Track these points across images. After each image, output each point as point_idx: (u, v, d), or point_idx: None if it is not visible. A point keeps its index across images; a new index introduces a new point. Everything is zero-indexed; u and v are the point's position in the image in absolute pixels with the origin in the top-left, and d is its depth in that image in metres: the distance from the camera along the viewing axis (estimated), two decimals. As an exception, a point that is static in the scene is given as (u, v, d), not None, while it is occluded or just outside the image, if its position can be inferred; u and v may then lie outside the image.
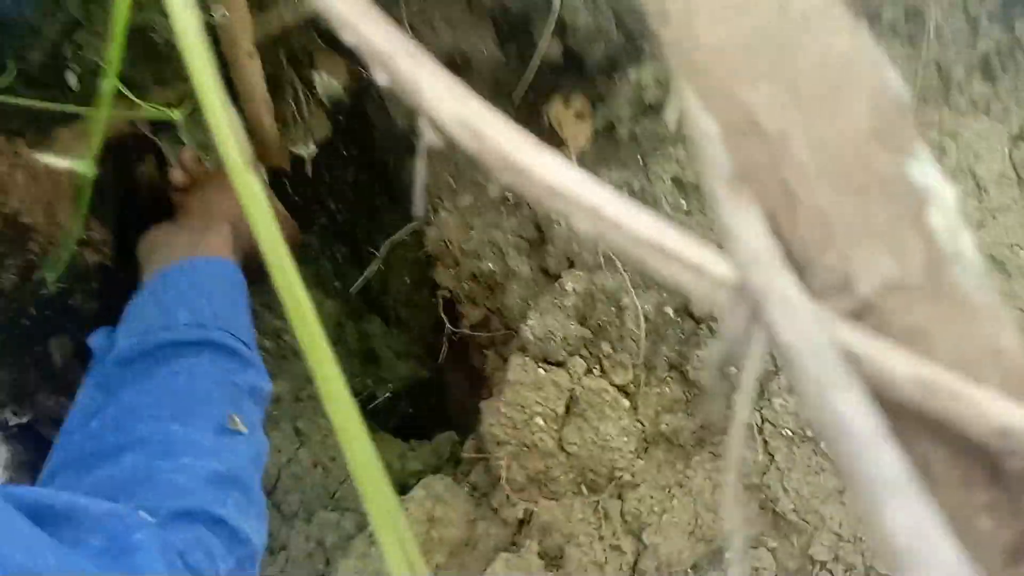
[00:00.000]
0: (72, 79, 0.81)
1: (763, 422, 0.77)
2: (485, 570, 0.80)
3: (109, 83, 0.62)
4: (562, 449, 0.82)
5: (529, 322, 0.87)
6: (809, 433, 0.75)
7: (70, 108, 0.74)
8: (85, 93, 0.75)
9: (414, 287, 1.20)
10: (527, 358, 0.84)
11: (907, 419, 0.19)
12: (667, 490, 0.80)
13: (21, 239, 0.77)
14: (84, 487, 0.55)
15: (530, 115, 1.10)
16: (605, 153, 0.99)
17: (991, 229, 0.82)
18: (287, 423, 1.04)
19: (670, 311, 0.84)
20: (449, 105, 0.20)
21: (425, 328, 1.16)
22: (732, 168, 0.20)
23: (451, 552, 0.84)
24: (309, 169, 1.11)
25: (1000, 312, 0.19)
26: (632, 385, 0.83)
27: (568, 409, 0.83)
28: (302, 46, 1.11)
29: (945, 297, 0.19)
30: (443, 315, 1.06)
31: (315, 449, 1.02)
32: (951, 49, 0.95)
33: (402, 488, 0.96)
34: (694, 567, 0.73)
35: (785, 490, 0.75)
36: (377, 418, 1.13)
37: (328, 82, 1.16)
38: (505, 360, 0.92)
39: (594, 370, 0.85)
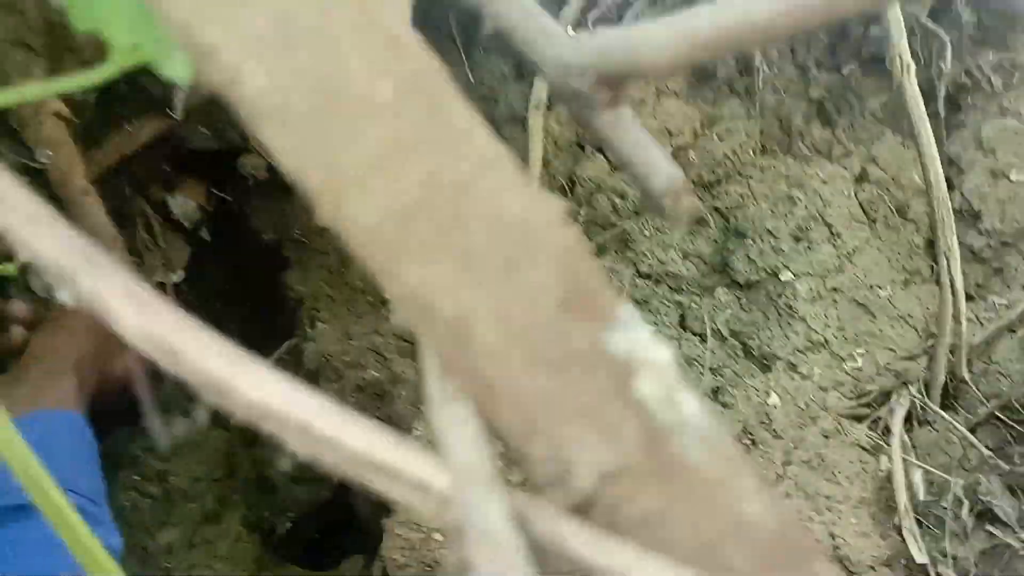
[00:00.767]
0: None
1: None
2: None
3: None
4: (463, 562, 0.78)
5: (416, 432, 0.83)
6: None
7: None
8: None
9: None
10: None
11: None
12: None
13: None
14: None
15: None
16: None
17: (849, 272, 0.84)
18: (182, 573, 0.96)
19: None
20: (137, 321, 0.17)
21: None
22: (436, 362, 0.17)
23: None
24: (172, 296, 1.06)
25: (739, 478, 0.17)
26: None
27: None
28: (149, 172, 1.07)
29: (672, 474, 0.17)
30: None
31: (213, 598, 0.94)
32: (786, 99, 0.98)
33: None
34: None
35: None
36: (281, 550, 1.06)
37: (184, 204, 1.11)
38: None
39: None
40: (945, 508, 0.67)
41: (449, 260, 0.16)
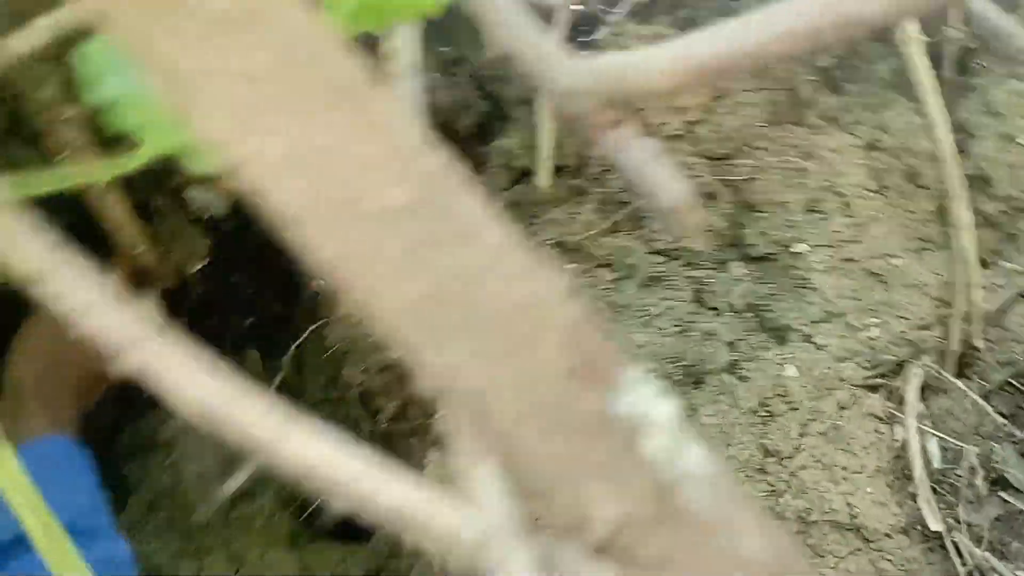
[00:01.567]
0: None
1: None
2: None
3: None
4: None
5: (440, 413, 0.85)
6: None
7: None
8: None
9: (331, 384, 1.18)
10: (441, 450, 0.83)
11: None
12: None
13: None
14: None
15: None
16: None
17: (863, 242, 0.85)
18: (220, 549, 1.00)
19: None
20: (193, 393, 0.19)
21: (347, 425, 1.14)
22: (464, 427, 0.19)
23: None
24: (198, 286, 1.09)
25: (740, 516, 0.19)
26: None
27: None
28: (170, 165, 1.09)
29: (679, 521, 0.19)
30: (360, 410, 1.04)
31: (254, 569, 0.98)
32: (794, 69, 0.98)
33: (345, 601, 0.94)
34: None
35: None
36: (314, 525, 1.10)
37: (204, 197, 1.13)
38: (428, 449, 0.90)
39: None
40: (960, 476, 0.69)
41: (466, 343, 0.18)
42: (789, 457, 0.71)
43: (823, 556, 0.65)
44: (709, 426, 0.73)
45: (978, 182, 0.88)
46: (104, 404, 0.92)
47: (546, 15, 0.90)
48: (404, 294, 0.18)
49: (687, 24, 1.03)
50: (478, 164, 1.04)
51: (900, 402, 0.74)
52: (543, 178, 0.92)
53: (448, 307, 0.18)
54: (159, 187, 1.09)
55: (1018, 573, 0.63)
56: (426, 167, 0.18)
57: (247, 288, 1.25)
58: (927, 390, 0.77)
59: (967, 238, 0.76)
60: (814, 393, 0.76)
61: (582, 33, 1.02)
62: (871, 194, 0.88)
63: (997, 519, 0.66)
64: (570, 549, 0.19)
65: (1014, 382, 0.74)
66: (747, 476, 0.70)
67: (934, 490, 0.69)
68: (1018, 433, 0.69)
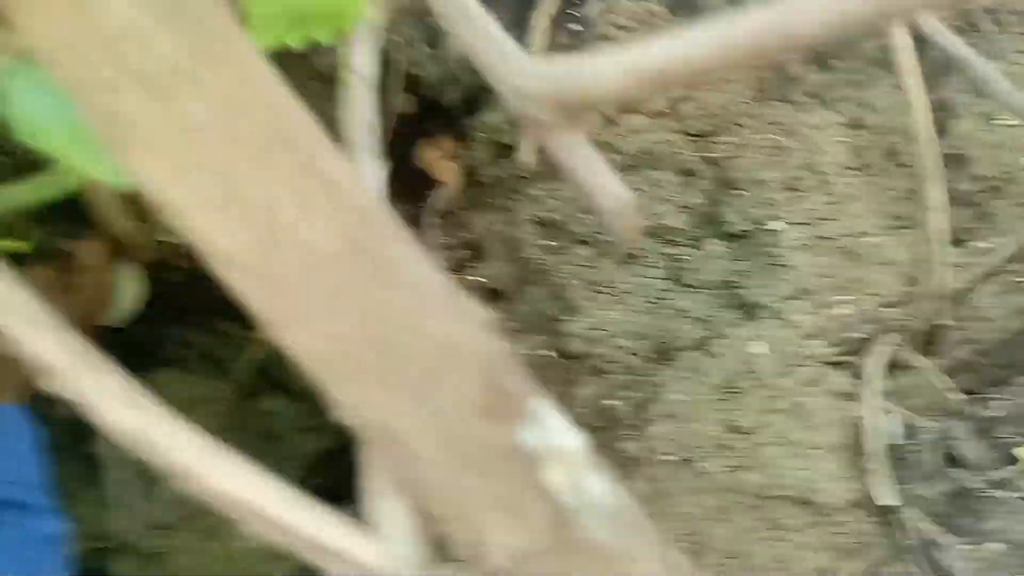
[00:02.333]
0: None
1: None
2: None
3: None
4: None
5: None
6: None
7: None
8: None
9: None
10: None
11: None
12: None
13: None
14: None
15: (401, 160, 1.10)
16: (473, 198, 1.01)
17: (838, 220, 0.86)
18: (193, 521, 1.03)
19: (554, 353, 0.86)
20: (125, 417, 0.21)
21: (318, 397, 1.16)
22: (376, 463, 0.21)
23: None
24: (180, 260, 1.10)
25: (639, 549, 0.21)
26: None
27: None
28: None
29: (577, 551, 0.20)
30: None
31: (225, 546, 1.01)
32: (783, 43, 0.97)
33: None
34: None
35: None
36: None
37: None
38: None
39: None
40: (917, 452, 0.71)
41: (383, 381, 0.19)
42: (752, 433, 0.73)
43: (779, 529, 0.68)
44: (675, 403, 0.75)
45: (956, 161, 0.88)
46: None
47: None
48: (325, 334, 0.19)
49: (679, 2, 1.03)
50: (463, 138, 1.04)
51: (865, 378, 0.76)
52: (526, 154, 0.92)
53: (368, 347, 0.19)
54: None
55: (965, 546, 0.65)
56: (356, 212, 0.19)
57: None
58: (892, 367, 0.79)
59: (939, 218, 0.77)
60: (780, 370, 0.78)
61: (574, 6, 1.02)
62: (850, 172, 0.88)
63: (949, 494, 0.68)
64: None
65: (976, 359, 0.75)
66: (710, 452, 0.72)
67: (893, 465, 0.71)
68: (977, 410, 0.71)
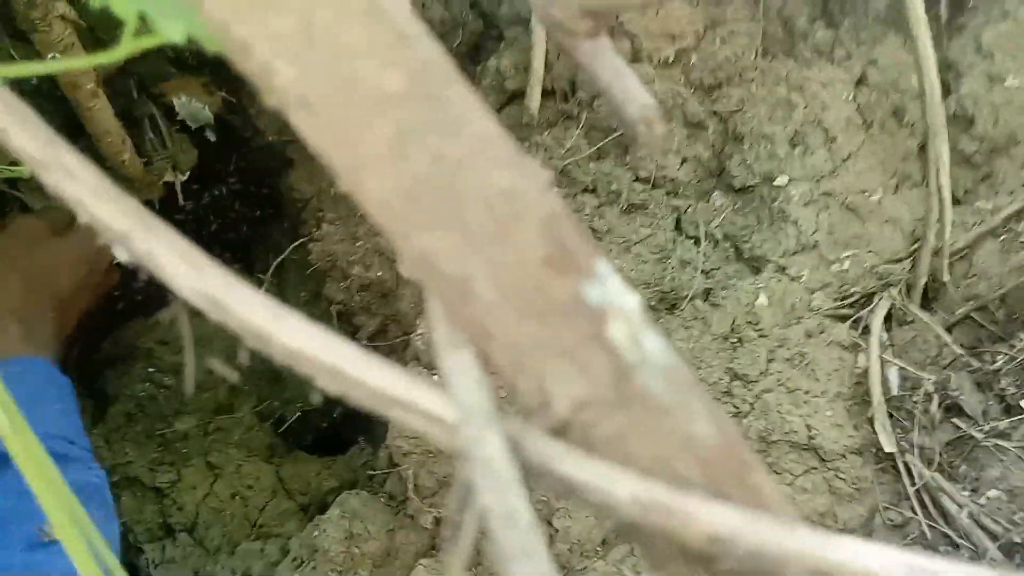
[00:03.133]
0: None
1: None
2: (408, 579, 0.81)
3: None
4: (467, 449, 0.84)
5: (419, 331, 0.87)
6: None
7: None
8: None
9: (312, 301, 1.19)
10: (421, 367, 0.85)
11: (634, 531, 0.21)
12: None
13: None
14: None
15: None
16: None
17: (843, 177, 0.86)
18: (199, 458, 1.03)
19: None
20: (188, 278, 0.21)
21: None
22: (443, 313, 0.21)
23: (374, 564, 0.86)
24: (181, 197, 1.09)
25: (691, 402, 0.21)
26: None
27: (468, 409, 0.85)
28: (155, 72, 1.08)
29: (635, 403, 0.20)
30: (340, 327, 1.06)
31: (231, 480, 1.01)
32: (792, 1, 0.97)
33: (321, 507, 0.97)
34: (603, 543, 0.76)
35: None
36: (291, 439, 1.13)
37: (189, 105, 1.12)
38: (407, 366, 0.93)
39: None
40: (916, 402, 0.72)
41: (451, 228, 0.19)
42: (755, 381, 0.73)
43: (780, 473, 0.68)
44: (680, 350, 0.76)
45: (961, 121, 0.89)
46: (82, 321, 0.93)
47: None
48: (394, 178, 0.19)
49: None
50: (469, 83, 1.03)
51: (865, 332, 0.77)
52: (533, 101, 0.91)
53: (434, 193, 0.19)
54: (146, 96, 1.07)
55: (963, 493, 0.66)
56: (421, 56, 0.19)
57: (230, 202, 1.25)
58: (893, 321, 0.80)
59: (942, 176, 0.77)
60: (783, 322, 0.78)
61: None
62: (855, 129, 0.89)
63: (948, 444, 0.69)
64: (533, 430, 0.21)
65: (976, 316, 0.76)
66: (714, 398, 0.73)
67: (891, 415, 0.72)
68: (975, 363, 0.72)
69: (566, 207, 0.21)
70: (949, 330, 0.78)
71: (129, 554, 0.93)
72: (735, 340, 0.77)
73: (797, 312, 0.79)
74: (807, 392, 0.73)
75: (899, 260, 0.83)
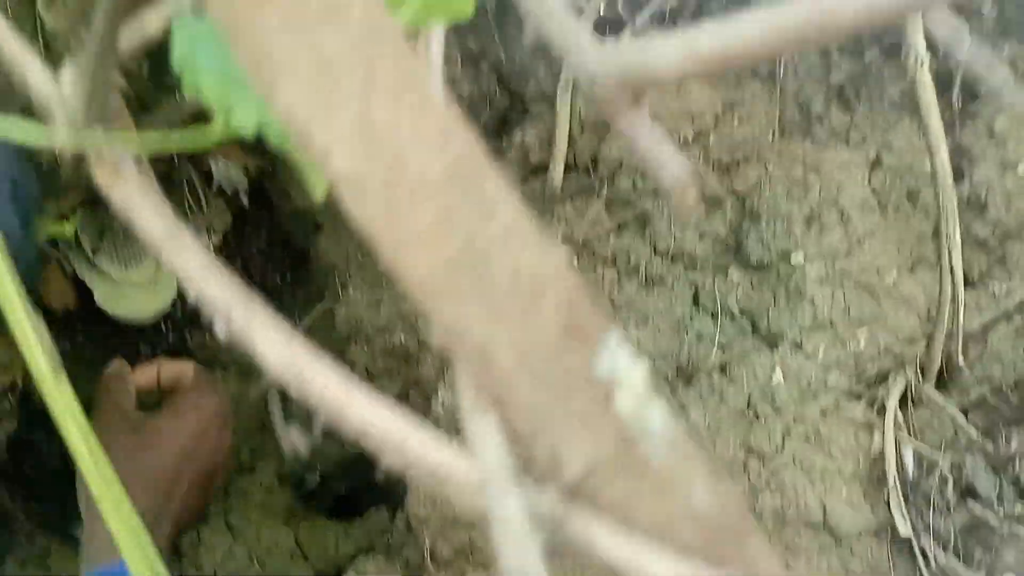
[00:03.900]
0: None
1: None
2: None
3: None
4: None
5: (439, 396, 0.89)
6: None
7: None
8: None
9: (335, 364, 1.22)
10: (440, 430, 0.86)
11: None
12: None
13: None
14: None
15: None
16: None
17: (858, 257, 0.88)
18: (218, 519, 1.04)
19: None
20: (278, 351, 0.23)
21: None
22: (468, 379, 0.23)
23: (387, 632, 0.86)
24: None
25: (692, 472, 0.22)
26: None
27: (484, 476, 0.86)
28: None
29: (638, 471, 0.22)
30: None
31: (250, 543, 1.02)
32: (807, 83, 1.01)
33: (337, 572, 0.97)
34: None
35: None
36: (310, 502, 1.14)
37: (226, 169, 1.17)
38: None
39: (506, 434, 0.87)
40: (931, 485, 0.72)
41: (479, 302, 0.21)
42: (771, 457, 0.74)
43: (795, 553, 0.68)
44: (696, 423, 0.77)
45: (974, 206, 0.91)
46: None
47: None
48: (432, 257, 0.21)
49: None
50: (496, 157, 1.07)
51: (881, 411, 0.78)
52: (556, 174, 0.95)
53: (467, 270, 0.21)
54: (184, 158, 1.12)
55: (979, 579, 0.66)
56: (461, 149, 0.21)
57: (260, 265, 1.29)
58: (908, 401, 0.80)
59: (955, 258, 0.79)
60: (799, 398, 0.79)
61: (606, 36, 1.05)
62: (870, 210, 0.91)
63: (964, 528, 0.69)
64: (546, 492, 0.22)
65: (991, 398, 0.77)
66: (729, 473, 0.73)
67: (906, 497, 0.72)
68: (990, 446, 0.72)
69: (582, 284, 0.23)
70: (965, 412, 0.78)
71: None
72: (751, 415, 0.78)
73: (813, 389, 0.80)
74: (823, 470, 0.73)
75: (914, 340, 0.84)
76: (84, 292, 0.99)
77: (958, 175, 0.88)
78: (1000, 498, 0.70)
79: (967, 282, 0.84)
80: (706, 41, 0.26)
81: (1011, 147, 0.90)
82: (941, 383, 0.81)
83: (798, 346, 0.84)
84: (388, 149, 0.21)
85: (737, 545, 0.22)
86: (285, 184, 1.19)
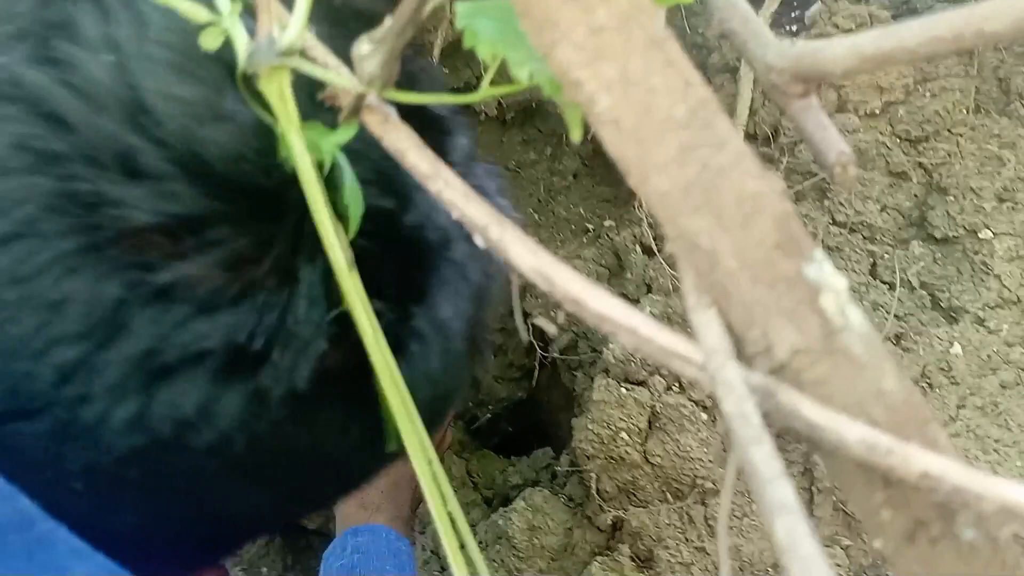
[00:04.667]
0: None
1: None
2: (582, 573, 0.88)
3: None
4: (647, 461, 0.90)
5: (611, 345, 0.95)
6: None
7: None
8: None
9: (508, 314, 1.31)
10: (610, 379, 0.92)
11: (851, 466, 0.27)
12: (746, 495, 0.86)
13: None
14: None
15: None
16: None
17: (1053, 235, 0.85)
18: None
19: (741, 329, 0.91)
20: (528, 259, 0.30)
21: (520, 353, 1.27)
22: (694, 279, 0.28)
23: (551, 557, 0.94)
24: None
25: (883, 363, 0.27)
26: (709, 399, 0.90)
27: (651, 424, 0.91)
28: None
29: (839, 356, 0.27)
30: (534, 341, 1.15)
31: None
32: (1010, 60, 0.97)
33: (504, 500, 1.06)
34: (774, 566, 0.79)
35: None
36: (480, 437, 1.24)
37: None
38: (593, 380, 1.00)
39: (673, 387, 0.92)
40: (1118, 467, 0.71)
41: (710, 215, 0.27)
42: (944, 426, 0.74)
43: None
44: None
45: None
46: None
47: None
48: (673, 179, 0.27)
49: (902, 6, 1.05)
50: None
51: (1067, 390, 0.76)
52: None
53: (701, 190, 0.27)
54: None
55: None
56: (698, 95, 0.27)
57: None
58: (1099, 385, 0.78)
59: None
60: (978, 371, 0.79)
61: (795, 8, 1.06)
62: (1070, 189, 0.87)
63: None
64: (756, 371, 0.28)
65: None
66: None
67: (1089, 478, 0.71)
68: None
69: (793, 208, 0.28)
70: None
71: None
72: (925, 384, 0.79)
73: (993, 364, 0.79)
74: (997, 441, 0.73)
75: (1111, 323, 0.81)
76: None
77: None
78: None
79: None
80: (871, 44, 0.30)
81: None
82: None
83: (980, 321, 0.83)
84: (643, 95, 0.26)
85: (919, 427, 0.27)
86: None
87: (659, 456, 0.89)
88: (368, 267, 0.32)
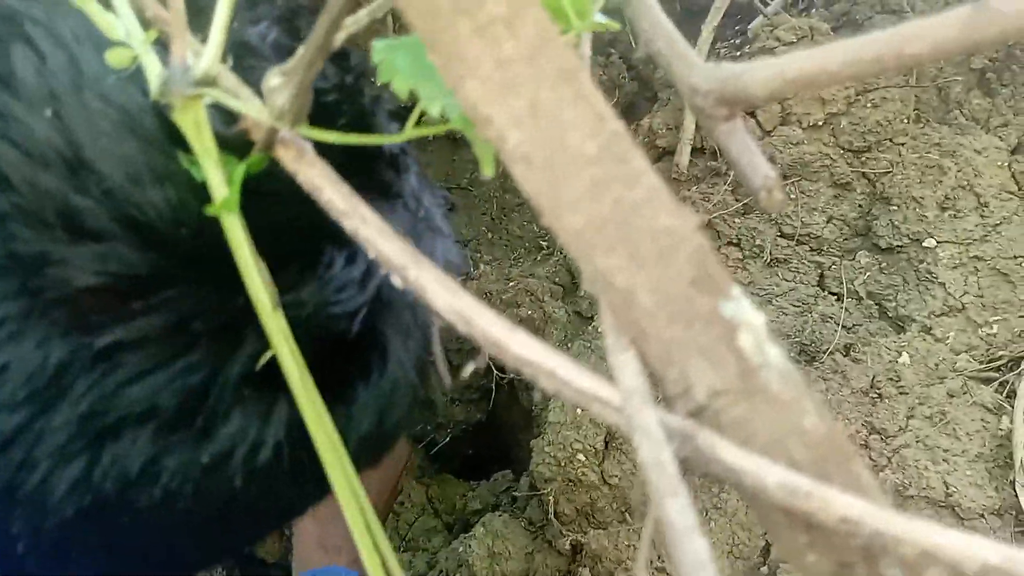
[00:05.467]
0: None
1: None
2: (542, 598, 0.87)
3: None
4: (605, 482, 0.89)
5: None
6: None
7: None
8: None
9: (463, 337, 1.29)
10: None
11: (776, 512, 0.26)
12: (704, 513, 0.86)
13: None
14: None
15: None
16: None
17: (994, 242, 0.86)
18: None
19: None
20: (447, 299, 0.29)
21: (477, 374, 1.25)
22: (611, 319, 0.28)
23: (512, 583, 0.92)
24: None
25: (803, 400, 0.27)
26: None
27: (607, 444, 0.90)
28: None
29: (757, 395, 0.26)
30: (490, 362, 1.14)
31: (386, 494, 1.11)
32: (947, 68, 0.99)
33: (466, 525, 1.05)
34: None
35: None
36: (440, 460, 1.22)
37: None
38: (550, 400, 0.99)
39: (629, 405, 0.92)
40: (1064, 471, 0.71)
41: (624, 253, 0.26)
42: (893, 436, 0.75)
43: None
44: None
45: None
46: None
47: (706, 3, 0.96)
48: (586, 216, 0.27)
49: (842, 18, 1.06)
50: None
51: (1011, 396, 0.77)
52: (683, 157, 0.98)
53: (614, 228, 0.26)
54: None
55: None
56: (611, 129, 0.26)
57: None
58: (1043, 389, 0.79)
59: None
60: (925, 380, 0.80)
61: (739, 22, 1.07)
62: (1009, 196, 0.89)
63: (1096, 515, 0.68)
64: (674, 414, 0.27)
65: None
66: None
67: (1036, 482, 0.72)
68: None
69: (711, 244, 0.27)
70: (1106, 401, 0.76)
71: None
72: (874, 395, 0.79)
73: (940, 372, 0.80)
74: (946, 450, 0.73)
75: (1053, 327, 0.82)
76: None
77: (1108, 159, 0.85)
78: None
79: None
80: (795, 66, 0.29)
81: None
82: (1080, 372, 0.79)
83: (927, 330, 0.84)
84: (553, 130, 0.26)
85: (841, 464, 0.26)
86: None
87: (616, 476, 0.89)
88: None
